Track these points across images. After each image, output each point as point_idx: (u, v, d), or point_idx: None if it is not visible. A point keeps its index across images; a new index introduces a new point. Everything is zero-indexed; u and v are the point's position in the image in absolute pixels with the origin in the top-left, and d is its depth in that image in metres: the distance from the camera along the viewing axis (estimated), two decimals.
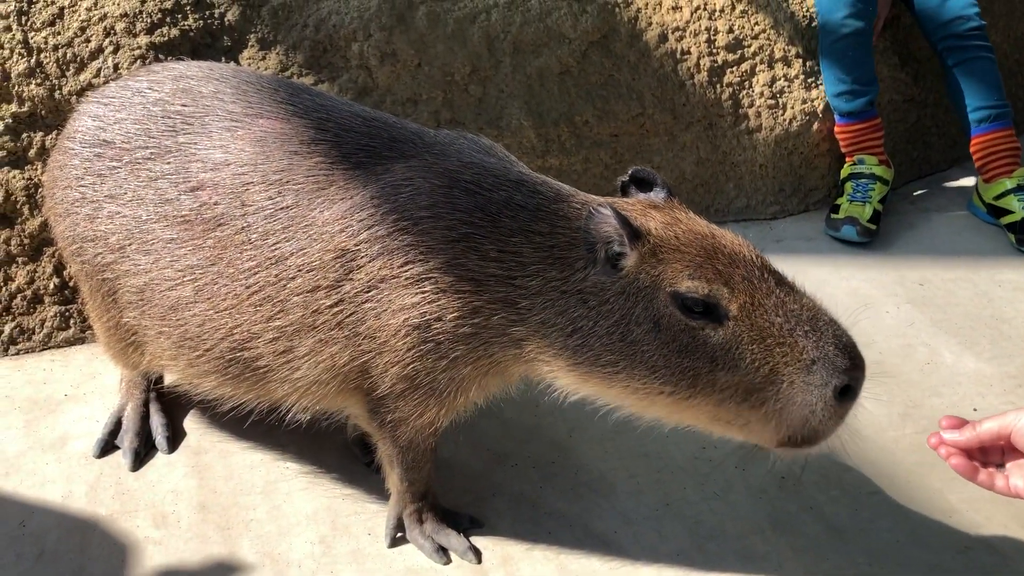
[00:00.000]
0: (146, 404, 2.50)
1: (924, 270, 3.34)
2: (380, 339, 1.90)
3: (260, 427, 2.35)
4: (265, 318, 1.97)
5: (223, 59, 2.94)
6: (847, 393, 1.75)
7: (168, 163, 2.07)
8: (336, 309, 1.91)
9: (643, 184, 1.96)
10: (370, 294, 1.88)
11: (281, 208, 1.95)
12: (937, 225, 3.67)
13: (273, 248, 1.94)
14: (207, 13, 2.96)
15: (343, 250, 1.89)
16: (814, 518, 2.27)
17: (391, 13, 3.12)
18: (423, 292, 1.85)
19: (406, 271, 1.85)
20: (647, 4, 3.51)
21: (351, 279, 1.89)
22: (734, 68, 3.61)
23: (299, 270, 1.92)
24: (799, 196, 3.74)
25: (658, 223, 1.82)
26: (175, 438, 2.48)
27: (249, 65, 2.96)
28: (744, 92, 3.62)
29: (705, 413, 1.83)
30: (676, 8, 3.55)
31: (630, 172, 1.97)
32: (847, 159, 3.73)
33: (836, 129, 3.71)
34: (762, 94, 3.63)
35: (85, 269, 2.22)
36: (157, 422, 2.48)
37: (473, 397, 2.00)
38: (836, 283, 3.24)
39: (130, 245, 2.09)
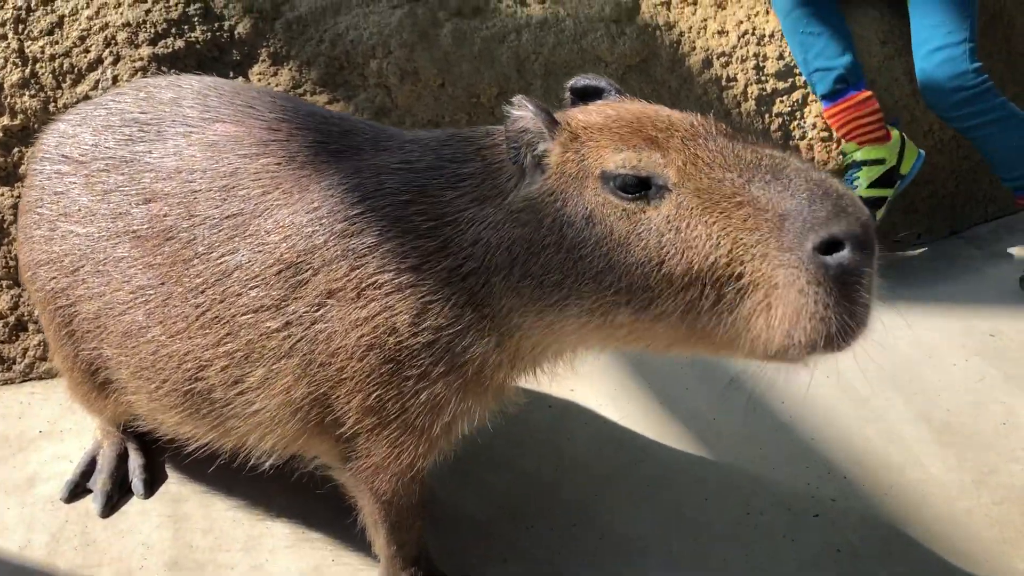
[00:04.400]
0: (124, 443, 2.29)
1: (995, 320, 3.03)
2: (336, 366, 1.65)
3: (246, 475, 2.09)
4: (214, 343, 1.74)
5: (231, 73, 2.75)
6: (835, 248, 1.30)
7: (122, 174, 1.88)
8: (284, 333, 1.67)
9: (591, 95, 1.69)
10: (319, 313, 1.65)
11: (226, 217, 1.74)
12: (1008, 271, 3.36)
13: (219, 262, 1.73)
14: (216, 25, 2.78)
15: (286, 263, 1.67)
16: None
17: (413, 29, 2.92)
18: (371, 300, 1.61)
19: (351, 279, 1.62)
20: (691, 27, 3.28)
21: (297, 297, 1.66)
22: (784, 97, 3.35)
23: (244, 286, 1.70)
24: None
25: (588, 112, 1.56)
26: (153, 482, 2.27)
27: (259, 81, 2.77)
28: (795, 123, 3.36)
29: (680, 329, 1.46)
30: (722, 32, 3.31)
31: (569, 84, 1.71)
32: None
33: (825, 115, 3.33)
34: (815, 125, 3.36)
35: (39, 297, 2.02)
36: (135, 463, 2.28)
37: (454, 424, 1.71)
38: (897, 331, 2.93)
39: (83, 267, 1.88)
